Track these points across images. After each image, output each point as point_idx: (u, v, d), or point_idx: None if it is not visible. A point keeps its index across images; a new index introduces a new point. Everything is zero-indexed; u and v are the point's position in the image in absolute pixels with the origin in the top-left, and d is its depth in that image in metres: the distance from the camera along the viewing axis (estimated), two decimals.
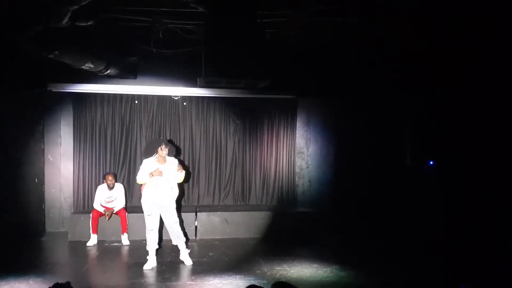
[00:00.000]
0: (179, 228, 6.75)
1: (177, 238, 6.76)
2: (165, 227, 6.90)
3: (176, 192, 6.73)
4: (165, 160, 6.63)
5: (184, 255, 6.73)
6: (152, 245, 6.61)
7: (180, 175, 6.74)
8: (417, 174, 8.59)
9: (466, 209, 7.32)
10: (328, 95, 8.86)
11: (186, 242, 6.94)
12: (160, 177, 6.48)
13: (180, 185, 7.08)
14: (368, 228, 8.46)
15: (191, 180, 9.02)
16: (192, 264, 6.62)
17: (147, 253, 6.61)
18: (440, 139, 8.08)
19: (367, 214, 8.69)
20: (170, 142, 7.13)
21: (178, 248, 6.80)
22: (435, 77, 7.79)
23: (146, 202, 6.55)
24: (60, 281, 3.07)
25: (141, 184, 6.72)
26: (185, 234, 7.19)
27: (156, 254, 6.68)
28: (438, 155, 8.22)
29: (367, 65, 8.05)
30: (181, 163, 7.15)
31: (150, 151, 6.78)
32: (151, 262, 6.56)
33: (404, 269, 6.54)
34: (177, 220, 6.73)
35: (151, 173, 6.45)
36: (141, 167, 6.65)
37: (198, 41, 6.40)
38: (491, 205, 6.90)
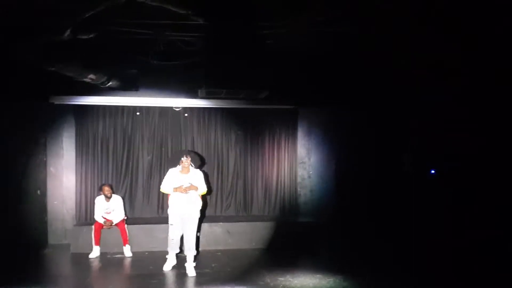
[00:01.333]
0: (194, 241, 6.79)
1: (188, 250, 6.77)
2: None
3: (198, 204, 6.81)
4: (188, 171, 6.75)
5: (189, 266, 6.72)
6: (172, 249, 6.86)
7: (202, 188, 6.80)
8: (419, 182, 8.58)
9: (471, 215, 7.29)
10: (329, 105, 8.89)
11: (196, 256, 6.93)
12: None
13: (204, 197, 7.15)
14: (371, 237, 8.43)
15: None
16: (195, 276, 6.60)
17: (167, 253, 6.87)
18: (441, 147, 8.07)
19: (370, 223, 8.66)
20: (195, 153, 7.24)
21: (185, 259, 6.80)
22: (438, 85, 7.78)
23: (170, 212, 6.77)
24: None
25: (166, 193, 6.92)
26: (197, 248, 7.20)
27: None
28: (440, 163, 8.20)
29: (367, 74, 8.07)
30: (205, 174, 7.20)
31: (174, 161, 6.97)
32: (171, 262, 6.84)
33: (408, 278, 6.50)
34: (195, 232, 6.79)
35: (175, 188, 6.64)
36: (165, 176, 6.84)
37: (199, 53, 6.45)
38: (497, 207, 6.87)
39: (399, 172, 8.92)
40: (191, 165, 6.81)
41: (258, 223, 8.58)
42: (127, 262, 7.47)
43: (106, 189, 7.87)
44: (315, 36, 6.55)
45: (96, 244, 7.72)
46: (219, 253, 7.95)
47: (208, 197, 9.08)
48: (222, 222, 8.48)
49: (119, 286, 6.38)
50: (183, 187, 6.62)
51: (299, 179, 9.41)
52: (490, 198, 7.05)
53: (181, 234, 6.81)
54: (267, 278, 6.51)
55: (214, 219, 8.67)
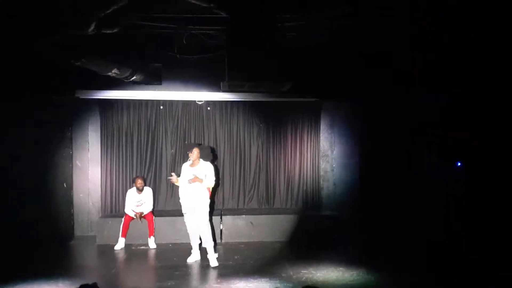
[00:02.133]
0: (208, 232, 6.85)
1: (205, 242, 6.87)
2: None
3: (205, 196, 6.87)
4: (197, 164, 6.90)
5: (211, 257, 6.80)
6: (193, 241, 6.99)
7: (209, 180, 6.89)
8: (444, 176, 8.44)
9: (491, 213, 7.17)
10: (352, 98, 8.79)
11: (215, 246, 6.99)
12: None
13: (213, 189, 7.21)
14: (394, 231, 8.34)
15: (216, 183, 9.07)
16: (218, 267, 6.66)
17: (189, 245, 7.04)
18: (466, 140, 7.92)
19: (393, 217, 8.56)
20: (207, 147, 7.35)
21: (206, 251, 6.86)
22: (458, 79, 7.65)
23: (182, 204, 6.97)
24: (96, 285, 3.14)
25: None
26: (214, 239, 7.25)
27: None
28: (464, 156, 8.06)
29: (391, 67, 7.95)
30: (215, 168, 7.29)
31: (186, 154, 7.25)
32: (194, 256, 6.97)
33: (432, 272, 6.43)
34: (206, 224, 6.86)
35: (188, 180, 6.81)
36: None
37: (221, 46, 6.45)
38: None
39: (423, 165, 8.79)
40: (200, 158, 6.96)
41: (280, 216, 8.58)
42: (152, 253, 7.57)
43: (139, 181, 8.00)
44: (336, 28, 6.48)
45: (123, 236, 7.84)
46: (242, 246, 7.98)
47: (230, 189, 9.14)
48: (245, 214, 8.51)
49: (144, 277, 6.47)
50: (187, 179, 6.77)
51: (322, 172, 9.36)
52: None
53: (196, 222, 6.89)
54: (289, 271, 6.52)
55: (237, 212, 8.70)
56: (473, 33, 6.23)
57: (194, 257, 6.97)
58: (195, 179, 6.74)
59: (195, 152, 6.89)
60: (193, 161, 6.90)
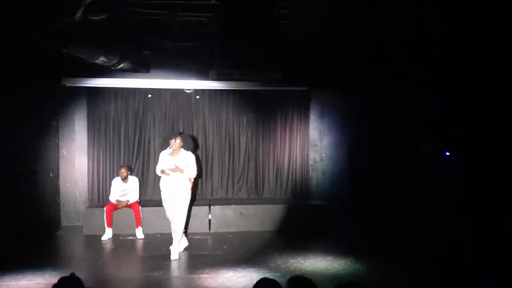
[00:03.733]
0: (181, 223, 6.72)
1: (173, 231, 6.76)
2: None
3: (187, 186, 6.73)
4: (178, 153, 6.71)
5: (173, 248, 6.68)
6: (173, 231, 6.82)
7: (190, 171, 6.71)
8: (434, 165, 8.49)
9: (485, 200, 7.21)
10: (342, 87, 8.77)
11: (180, 239, 6.90)
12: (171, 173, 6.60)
13: (194, 180, 7.07)
14: (383, 221, 8.38)
15: (204, 173, 9.03)
16: (178, 259, 6.58)
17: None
18: (458, 129, 7.95)
19: (382, 206, 8.61)
20: (187, 136, 7.18)
21: (188, 242, 6.89)
22: (453, 69, 7.66)
23: (162, 194, 6.80)
24: (74, 274, 3.09)
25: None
26: (185, 232, 7.15)
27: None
28: (455, 146, 8.09)
29: (381, 56, 7.94)
30: (196, 157, 7.15)
31: (165, 144, 6.91)
32: (183, 243, 6.92)
33: (420, 261, 6.48)
34: (182, 215, 6.72)
35: (162, 170, 6.64)
36: (158, 160, 6.87)
37: (211, 34, 6.37)
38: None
39: (413, 155, 8.83)
40: (182, 148, 6.74)
41: (269, 205, 8.57)
42: (139, 244, 7.52)
43: (122, 170, 7.94)
44: (329, 18, 6.44)
45: (109, 226, 7.77)
46: (231, 235, 7.97)
47: (219, 179, 9.10)
48: (234, 204, 8.48)
49: (131, 267, 6.43)
50: (167, 169, 6.59)
51: (311, 162, 9.35)
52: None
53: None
54: (278, 260, 6.52)
55: (226, 202, 8.68)
56: (469, 22, 6.22)
57: (182, 244, 6.91)
58: (176, 169, 6.56)
59: (178, 140, 6.65)
60: (174, 150, 6.69)
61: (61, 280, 3.02)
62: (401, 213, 8.37)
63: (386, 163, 8.85)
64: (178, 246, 6.77)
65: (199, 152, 8.96)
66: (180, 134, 7.03)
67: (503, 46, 6.42)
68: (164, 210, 6.89)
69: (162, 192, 6.78)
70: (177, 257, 6.61)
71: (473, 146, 7.60)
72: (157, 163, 6.88)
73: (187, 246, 7.05)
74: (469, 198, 7.58)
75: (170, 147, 6.72)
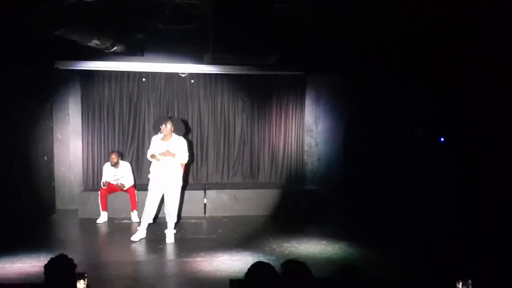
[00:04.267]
0: (174, 208, 6.75)
1: (168, 216, 6.77)
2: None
3: (179, 172, 6.73)
4: (170, 138, 6.68)
5: (169, 232, 6.72)
6: (145, 219, 6.74)
7: (182, 156, 6.70)
8: (430, 151, 8.49)
9: (481, 188, 7.23)
10: (338, 71, 8.71)
11: (176, 224, 6.95)
12: (162, 157, 6.56)
13: (186, 164, 7.08)
14: (377, 205, 8.42)
15: (199, 158, 9.04)
16: (173, 243, 6.63)
17: (138, 224, 6.82)
18: (455, 114, 7.94)
19: (377, 191, 8.64)
20: (179, 120, 7.13)
21: (166, 225, 6.82)
22: (451, 55, 7.62)
23: (151, 178, 6.73)
24: (64, 255, 3.09)
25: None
26: (179, 216, 7.18)
27: (148, 228, 6.81)
28: (452, 131, 8.08)
29: (378, 40, 7.89)
30: (189, 142, 7.13)
31: (156, 128, 6.87)
32: (140, 234, 6.71)
33: (413, 245, 6.53)
34: (176, 200, 6.74)
35: (152, 155, 6.60)
36: (150, 144, 6.81)
37: (206, 17, 6.30)
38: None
39: (409, 140, 8.83)
40: (173, 132, 6.70)
41: (264, 190, 8.61)
42: (134, 227, 7.50)
43: (112, 156, 7.90)
44: (326, 2, 6.37)
45: (103, 209, 7.79)
46: (226, 220, 8.00)
47: (214, 164, 9.10)
48: (229, 189, 8.50)
49: (126, 251, 6.45)
50: (158, 153, 6.54)
51: (306, 147, 9.37)
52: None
53: (158, 201, 6.75)
54: (272, 244, 6.56)
55: (221, 186, 8.70)
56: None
57: (139, 235, 6.70)
58: (167, 153, 6.52)
59: (168, 125, 6.60)
60: (165, 135, 6.64)
61: (51, 261, 3.01)
62: (395, 198, 8.40)
63: (380, 148, 8.85)
64: (173, 230, 6.79)
65: (193, 137, 8.97)
66: (170, 118, 6.98)
67: (503, 44, 6.38)
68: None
69: (151, 176, 6.69)
70: (172, 241, 6.64)
71: (472, 142, 7.58)
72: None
73: (182, 231, 7.05)
74: (464, 184, 7.60)
75: (161, 132, 6.67)
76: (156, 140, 6.72)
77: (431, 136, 8.49)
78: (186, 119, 8.91)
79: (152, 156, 6.61)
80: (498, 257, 5.60)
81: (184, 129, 7.02)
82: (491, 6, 5.23)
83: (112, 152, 8.05)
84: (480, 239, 6.45)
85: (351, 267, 3.09)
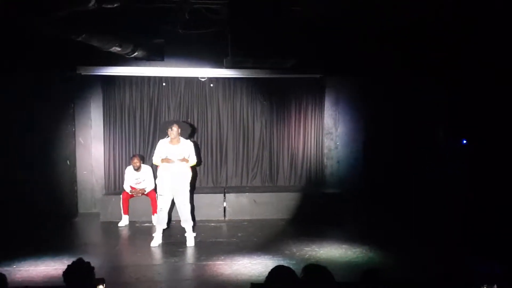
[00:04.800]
0: (188, 212, 6.77)
1: (184, 221, 6.79)
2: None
3: (188, 175, 6.75)
4: (177, 141, 6.70)
5: (189, 236, 6.75)
6: (160, 224, 6.76)
7: (192, 159, 6.75)
8: (449, 154, 8.37)
9: (497, 191, 7.10)
10: (357, 74, 8.66)
11: (193, 226, 6.96)
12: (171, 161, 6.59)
13: (194, 168, 7.09)
14: (397, 209, 8.33)
15: (219, 161, 9.07)
16: (193, 246, 6.65)
17: (154, 230, 6.81)
18: (473, 118, 7.81)
19: (397, 194, 8.55)
20: (185, 123, 7.16)
21: (184, 230, 6.84)
22: (469, 55, 7.51)
23: (158, 183, 6.75)
24: (89, 261, 3.13)
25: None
26: (193, 219, 7.14)
27: (163, 233, 6.84)
28: (471, 135, 7.96)
29: (397, 43, 7.82)
30: (195, 145, 7.15)
31: (163, 132, 6.92)
32: (157, 240, 6.73)
33: (434, 250, 6.42)
34: (188, 203, 6.77)
35: (162, 159, 6.61)
36: (156, 148, 6.81)
37: (224, 21, 6.33)
38: None
39: (429, 143, 8.71)
40: (179, 135, 6.70)
41: (284, 193, 8.58)
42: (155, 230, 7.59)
43: (135, 160, 7.96)
44: (343, 3, 6.34)
45: (125, 213, 7.86)
46: (245, 223, 8.00)
47: (233, 167, 9.12)
48: (248, 192, 8.50)
49: (147, 254, 6.49)
50: (171, 159, 6.53)
51: (325, 150, 9.31)
52: None
53: (169, 205, 6.77)
54: (293, 248, 6.53)
55: (240, 190, 8.71)
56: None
57: (156, 241, 6.71)
58: (183, 160, 6.58)
59: (175, 129, 6.59)
60: (172, 139, 6.65)
61: (69, 267, 3.05)
62: (416, 201, 8.30)
63: (401, 151, 8.75)
64: (193, 233, 6.82)
65: (213, 140, 9.01)
66: (176, 122, 6.99)
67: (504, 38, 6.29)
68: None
69: (160, 181, 6.69)
70: (193, 244, 6.67)
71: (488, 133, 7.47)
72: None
73: (202, 234, 7.07)
74: (483, 185, 7.47)
75: (168, 136, 6.69)
76: (163, 144, 6.72)
77: (451, 137, 8.37)
78: (205, 122, 8.96)
79: (165, 160, 6.60)
80: None
81: (190, 131, 7.03)
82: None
83: (134, 156, 8.12)
84: (501, 240, 6.34)
85: (373, 271, 3.05)
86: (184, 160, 6.61)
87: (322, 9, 6.71)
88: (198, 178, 9.04)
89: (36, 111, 7.23)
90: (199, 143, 9.00)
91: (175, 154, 6.61)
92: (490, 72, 7.16)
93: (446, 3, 6.15)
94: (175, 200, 6.77)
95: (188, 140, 6.87)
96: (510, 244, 6.04)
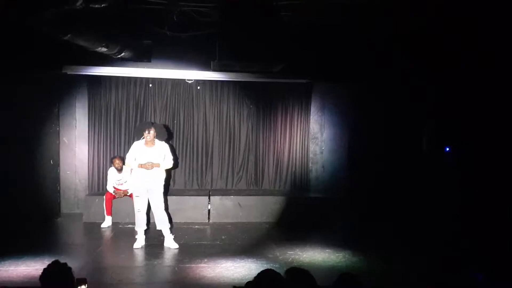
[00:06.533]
0: (164, 213, 6.74)
1: (161, 223, 6.73)
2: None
3: (161, 177, 6.72)
4: (153, 144, 6.66)
5: (168, 240, 6.70)
6: (140, 226, 6.71)
7: (168, 162, 6.72)
8: (434, 160, 8.48)
9: (483, 196, 7.21)
10: (343, 80, 8.74)
11: (170, 228, 6.91)
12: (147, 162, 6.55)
13: (168, 169, 7.07)
14: (381, 214, 8.41)
15: (204, 164, 9.06)
16: (178, 248, 6.62)
17: (136, 233, 6.74)
18: (459, 124, 7.94)
19: (381, 199, 8.63)
20: (161, 126, 7.12)
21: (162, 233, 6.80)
22: (453, 61, 7.64)
23: (134, 184, 6.72)
24: (70, 262, 3.11)
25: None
26: (170, 220, 7.06)
27: (145, 235, 6.80)
28: (456, 141, 8.08)
29: (383, 49, 7.92)
30: (171, 147, 7.12)
31: (138, 134, 6.81)
32: (140, 241, 6.68)
33: (417, 254, 6.50)
34: (163, 205, 6.74)
35: (140, 164, 6.54)
36: (130, 150, 6.75)
37: (213, 24, 6.35)
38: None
39: (413, 149, 8.83)
40: (154, 138, 6.66)
41: (268, 197, 8.60)
42: None
43: (116, 161, 7.92)
44: (331, 8, 6.40)
45: (108, 214, 7.81)
46: (229, 226, 7.99)
47: (218, 170, 9.12)
48: (233, 195, 8.51)
49: (130, 255, 6.45)
50: (146, 163, 6.50)
51: (311, 155, 9.37)
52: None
53: (146, 206, 6.71)
54: (276, 252, 6.55)
55: (225, 193, 8.71)
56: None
57: (139, 243, 6.68)
58: (153, 165, 6.53)
59: (152, 131, 6.56)
60: (148, 141, 6.60)
61: (45, 270, 3.03)
62: (400, 207, 8.39)
63: (386, 156, 8.85)
64: (171, 235, 6.77)
65: (199, 143, 9.00)
66: (153, 124, 6.96)
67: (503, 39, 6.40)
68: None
69: (137, 183, 6.64)
70: (176, 246, 6.64)
71: (472, 139, 7.58)
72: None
73: (185, 237, 7.05)
74: (467, 192, 7.58)
75: (143, 138, 6.63)
76: (138, 146, 6.66)
77: (435, 145, 8.49)
78: (191, 125, 8.96)
79: (142, 166, 6.52)
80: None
81: (166, 135, 6.99)
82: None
83: (116, 157, 8.07)
84: (484, 246, 6.44)
85: (349, 276, 3.08)
86: (154, 165, 6.54)
87: (311, 16, 6.77)
88: (183, 180, 9.07)
89: (20, 110, 7.15)
90: (184, 145, 9.02)
91: (150, 156, 6.58)
92: (477, 76, 7.30)
93: (434, 13, 6.26)
94: (150, 203, 6.72)
95: (163, 142, 6.80)
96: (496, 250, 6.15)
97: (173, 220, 7.56)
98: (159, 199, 6.69)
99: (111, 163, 8.06)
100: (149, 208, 6.81)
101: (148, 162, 6.53)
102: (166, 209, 7.12)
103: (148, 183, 6.61)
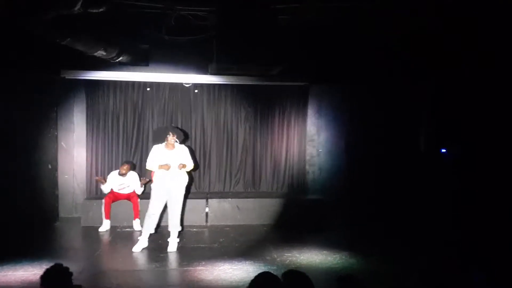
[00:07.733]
0: (179, 217, 6.80)
1: (173, 226, 6.79)
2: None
3: (185, 180, 6.79)
4: (173, 147, 6.73)
5: (172, 241, 6.75)
6: (147, 229, 6.75)
7: (189, 164, 6.78)
8: (431, 161, 8.52)
9: (483, 196, 7.24)
10: (340, 82, 8.79)
11: (180, 232, 6.97)
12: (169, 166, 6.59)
13: (190, 172, 7.13)
14: (378, 216, 8.43)
15: (202, 167, 9.08)
16: (176, 251, 6.66)
17: (139, 234, 6.78)
18: (455, 125, 7.97)
19: (378, 201, 8.66)
20: (178, 128, 7.19)
21: (168, 234, 6.84)
22: (451, 62, 7.67)
23: (155, 187, 6.72)
24: (69, 266, 3.13)
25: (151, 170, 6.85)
26: (182, 225, 7.14)
27: (149, 237, 6.81)
28: (452, 142, 8.11)
29: (380, 51, 7.96)
30: (190, 150, 7.19)
31: (159, 138, 6.87)
32: (141, 244, 6.71)
33: (414, 256, 6.53)
34: (180, 208, 6.80)
35: (160, 165, 6.58)
36: (150, 153, 6.80)
37: (210, 28, 6.39)
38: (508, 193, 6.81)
39: (410, 151, 8.86)
40: (176, 141, 6.76)
41: (266, 199, 8.62)
42: (136, 236, 7.52)
43: (124, 167, 7.89)
44: (328, 11, 6.44)
45: (106, 217, 7.82)
46: (227, 228, 8.01)
47: (216, 173, 9.14)
48: (231, 198, 8.53)
49: (128, 259, 6.47)
50: (168, 165, 6.54)
51: (308, 157, 9.39)
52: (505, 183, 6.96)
53: (160, 211, 6.78)
54: (274, 254, 6.57)
55: (223, 195, 8.73)
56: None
57: (141, 245, 6.71)
58: (182, 166, 6.62)
59: (175, 135, 6.68)
60: (170, 144, 6.69)
61: (47, 272, 3.05)
62: (397, 208, 8.42)
63: (382, 158, 8.88)
64: (177, 238, 6.82)
65: (196, 146, 9.02)
66: (173, 128, 7.03)
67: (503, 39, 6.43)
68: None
69: (156, 186, 6.69)
70: (174, 250, 6.66)
71: (470, 140, 7.62)
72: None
73: (184, 239, 7.07)
74: (466, 192, 7.62)
75: (166, 142, 6.70)
76: (159, 149, 6.72)
77: (432, 146, 8.52)
78: (189, 128, 8.97)
79: (161, 166, 6.57)
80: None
81: (183, 136, 7.07)
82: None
83: (125, 163, 8.04)
84: (484, 246, 6.46)
85: (347, 277, 3.11)
86: (182, 166, 6.63)
87: (309, 19, 6.80)
88: None
89: (18, 114, 7.17)
90: None
91: (172, 159, 6.63)
92: (474, 78, 7.34)
93: (434, 13, 6.29)
94: (168, 204, 6.76)
95: (183, 145, 6.90)
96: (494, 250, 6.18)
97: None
98: (178, 202, 6.74)
99: (120, 166, 8.03)
100: (162, 212, 6.85)
101: (167, 164, 6.55)
102: (182, 213, 7.14)
103: (171, 187, 6.65)
